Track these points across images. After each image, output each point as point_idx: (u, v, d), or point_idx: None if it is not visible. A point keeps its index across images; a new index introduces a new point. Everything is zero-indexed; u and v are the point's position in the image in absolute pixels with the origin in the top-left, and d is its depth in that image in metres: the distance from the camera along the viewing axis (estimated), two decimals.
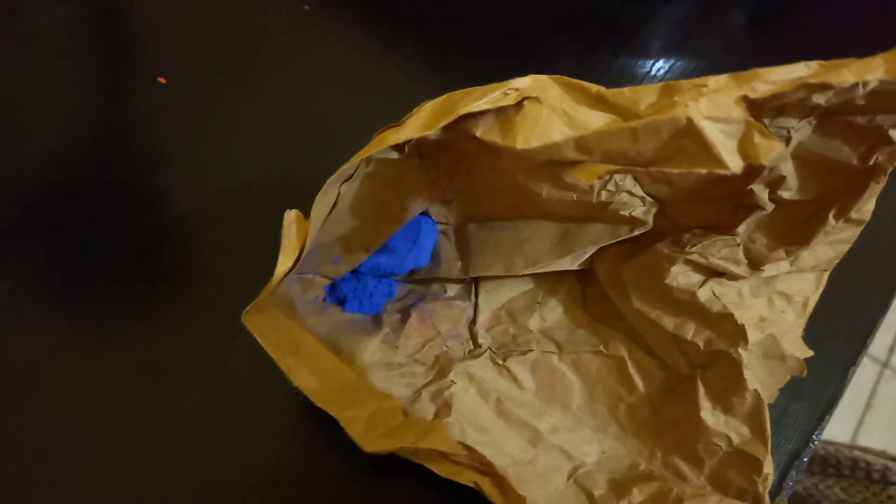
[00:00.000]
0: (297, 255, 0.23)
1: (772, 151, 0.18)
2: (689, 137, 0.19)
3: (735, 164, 0.19)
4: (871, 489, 0.44)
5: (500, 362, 0.31)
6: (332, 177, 0.22)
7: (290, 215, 0.23)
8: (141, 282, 0.32)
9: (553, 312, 0.32)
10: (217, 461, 0.29)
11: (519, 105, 0.21)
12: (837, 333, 0.33)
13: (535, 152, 0.21)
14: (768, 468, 0.27)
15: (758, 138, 0.19)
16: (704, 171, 0.19)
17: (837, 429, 1.21)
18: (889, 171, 0.24)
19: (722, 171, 0.19)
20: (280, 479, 0.29)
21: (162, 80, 0.36)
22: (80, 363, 0.31)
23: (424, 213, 0.31)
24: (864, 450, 0.49)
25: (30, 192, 0.34)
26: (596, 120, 0.21)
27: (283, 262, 0.23)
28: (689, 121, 0.19)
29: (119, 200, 0.34)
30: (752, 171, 0.24)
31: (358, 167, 0.24)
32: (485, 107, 0.21)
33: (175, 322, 0.32)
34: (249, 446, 0.30)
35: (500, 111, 0.22)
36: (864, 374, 1.26)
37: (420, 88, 0.23)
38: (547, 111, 0.21)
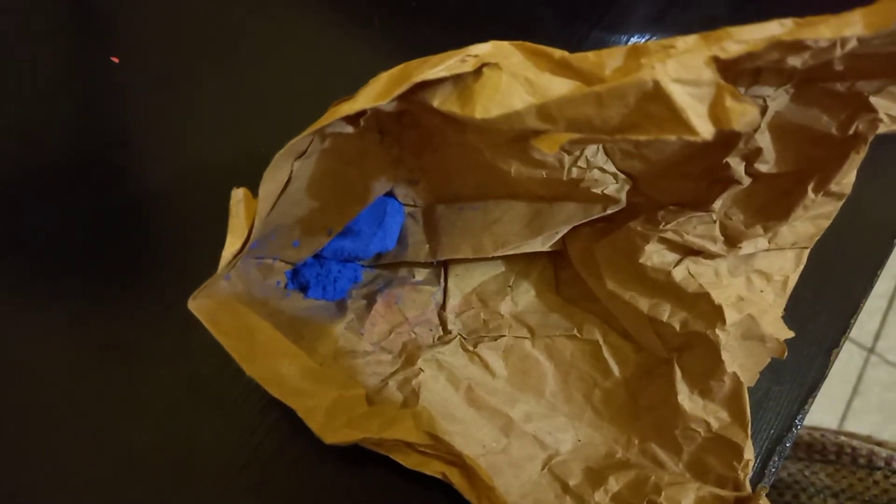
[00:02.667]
0: (245, 236, 0.21)
1: (744, 115, 0.17)
2: (657, 102, 0.18)
3: (706, 130, 0.18)
4: (857, 474, 0.43)
5: (471, 348, 0.30)
6: (281, 151, 0.21)
7: (238, 194, 0.22)
8: (103, 264, 0.31)
9: (525, 296, 0.31)
10: (183, 447, 0.28)
11: (478, 72, 0.20)
12: (820, 314, 0.31)
13: (495, 122, 0.20)
14: (749, 454, 0.26)
15: (729, 102, 0.17)
16: (673, 137, 0.18)
17: (825, 415, 1.21)
18: (870, 141, 0.23)
19: (692, 138, 0.18)
20: (246, 466, 0.28)
21: (115, 60, 0.34)
22: (42, 348, 0.30)
23: (390, 195, 0.29)
24: (850, 435, 0.48)
25: None
26: (559, 86, 0.19)
27: (231, 244, 0.21)
28: (656, 84, 0.17)
29: (79, 181, 0.32)
30: (726, 139, 0.23)
31: (311, 143, 0.23)
32: (441, 74, 0.20)
33: (139, 305, 0.31)
34: (215, 432, 0.29)
35: (457, 79, 0.20)
36: (850, 360, 1.26)
37: (389, 63, 0.22)
38: (507, 78, 0.20)
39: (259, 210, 0.22)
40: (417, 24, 0.37)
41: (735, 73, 0.21)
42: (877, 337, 1.28)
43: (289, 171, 0.23)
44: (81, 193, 0.32)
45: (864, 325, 1.25)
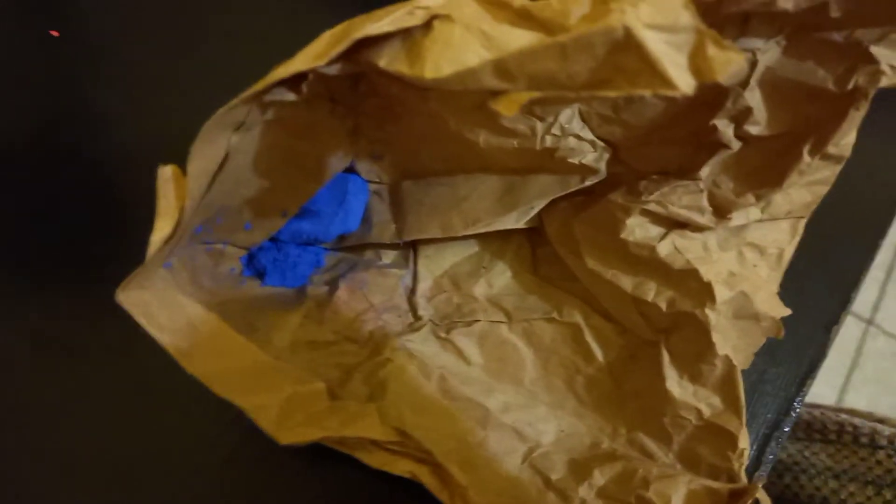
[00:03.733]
0: (175, 219, 0.19)
1: (729, 65, 0.15)
2: (629, 52, 0.15)
3: (685, 84, 0.15)
4: (860, 454, 0.41)
5: (444, 335, 0.28)
6: (209, 122, 0.19)
7: (166, 172, 0.19)
8: (40, 251, 0.29)
9: (501, 277, 0.29)
10: (131, 450, 0.27)
11: (427, 25, 0.18)
12: (818, 288, 0.29)
13: (448, 82, 0.17)
14: (744, 442, 0.24)
15: (712, 50, 0.15)
16: (648, 92, 0.15)
17: (824, 388, 1.20)
18: (871, 96, 0.20)
19: (670, 93, 0.15)
20: (202, 467, 0.27)
21: (55, 34, 0.32)
22: None
23: (352, 171, 0.27)
24: (851, 412, 0.47)
25: None
26: (519, 39, 0.17)
27: (160, 229, 0.19)
28: (627, 30, 0.15)
29: (15, 163, 0.30)
30: (712, 96, 0.21)
31: (249, 113, 0.20)
32: (385, 28, 0.18)
33: (78, 295, 0.29)
34: (167, 432, 0.27)
35: (405, 34, 0.18)
36: (848, 332, 1.25)
37: None
38: (460, 31, 0.17)
39: (190, 189, 0.19)
40: None
41: (719, 20, 0.18)
42: (875, 308, 1.27)
43: (224, 145, 0.20)
44: (19, 174, 0.30)
45: (862, 295, 1.24)
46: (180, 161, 0.20)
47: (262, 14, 0.34)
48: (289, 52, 0.32)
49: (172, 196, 0.19)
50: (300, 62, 0.18)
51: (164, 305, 0.21)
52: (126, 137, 0.31)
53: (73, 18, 0.32)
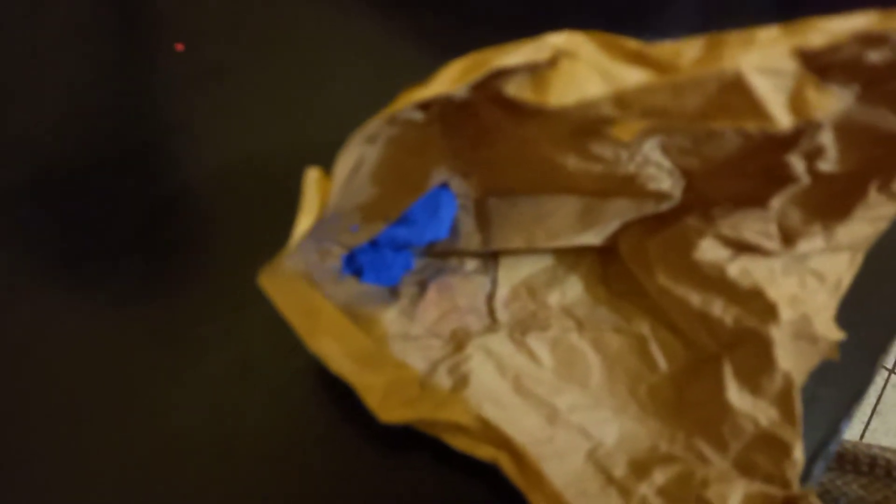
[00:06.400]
0: (316, 215, 0.22)
1: (826, 107, 0.18)
2: (736, 92, 0.18)
3: (785, 121, 0.18)
4: (893, 487, 0.43)
5: (519, 338, 0.30)
6: (355, 134, 0.21)
7: (313, 174, 0.22)
8: (155, 248, 0.32)
9: (574, 289, 0.31)
10: (231, 428, 0.29)
11: (553, 61, 0.21)
12: (868, 319, 0.31)
13: (571, 110, 0.20)
14: (798, 453, 0.26)
15: (811, 93, 0.18)
16: (752, 127, 0.18)
17: (845, 435, 1.20)
18: None
19: (770, 128, 0.18)
20: (292, 447, 0.29)
21: (179, 48, 0.35)
22: (92, 331, 0.30)
23: (444, 186, 0.30)
24: (883, 448, 0.48)
25: (42, 158, 0.33)
26: (634, 76, 0.20)
27: (304, 221, 0.22)
28: (738, 74, 0.18)
29: (133, 167, 0.33)
30: (791, 135, 0.23)
31: (382, 128, 0.23)
32: (519, 61, 0.20)
33: (188, 289, 0.31)
34: (261, 415, 0.29)
35: (532, 68, 0.21)
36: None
37: (439, 64, 0.23)
38: (583, 67, 0.20)
39: (332, 188, 0.22)
40: (468, 25, 0.37)
41: (815, 62, 0.21)
42: None
43: (359, 154, 0.23)
44: (136, 178, 0.33)
45: None
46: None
47: (369, 46, 0.37)
48: (384, 85, 0.36)
49: (316, 195, 0.22)
50: (439, 86, 0.21)
51: (292, 290, 0.24)
52: (236, 149, 0.34)
53: (197, 36, 0.36)
